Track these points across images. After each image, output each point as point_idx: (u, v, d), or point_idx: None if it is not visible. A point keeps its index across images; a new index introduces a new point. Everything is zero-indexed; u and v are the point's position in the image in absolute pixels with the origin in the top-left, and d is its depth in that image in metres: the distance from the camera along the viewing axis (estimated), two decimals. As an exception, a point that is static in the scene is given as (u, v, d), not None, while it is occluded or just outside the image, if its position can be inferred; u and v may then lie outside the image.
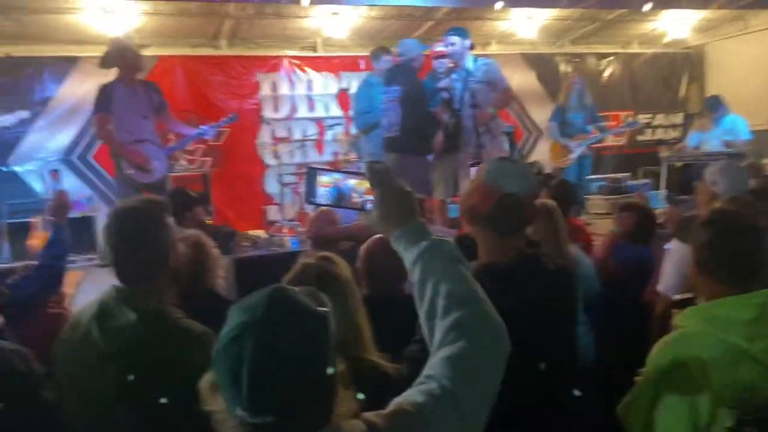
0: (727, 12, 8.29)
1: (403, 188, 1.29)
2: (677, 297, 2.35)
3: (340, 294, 1.78)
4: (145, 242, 1.85)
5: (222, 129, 7.21)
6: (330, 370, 1.03)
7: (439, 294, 1.18)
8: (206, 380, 1.05)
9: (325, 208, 3.58)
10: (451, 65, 5.65)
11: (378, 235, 2.41)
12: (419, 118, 5.38)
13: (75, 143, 7.08)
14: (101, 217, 6.85)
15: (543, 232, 2.91)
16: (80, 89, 7.03)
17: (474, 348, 1.14)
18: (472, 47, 5.72)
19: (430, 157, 5.79)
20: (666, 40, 9.54)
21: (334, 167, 5.96)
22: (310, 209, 5.60)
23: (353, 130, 7.75)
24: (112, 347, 1.77)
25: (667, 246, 3.19)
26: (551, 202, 3.11)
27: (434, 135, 5.52)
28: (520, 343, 1.68)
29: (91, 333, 1.80)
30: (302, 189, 6.15)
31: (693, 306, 1.86)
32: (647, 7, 7.00)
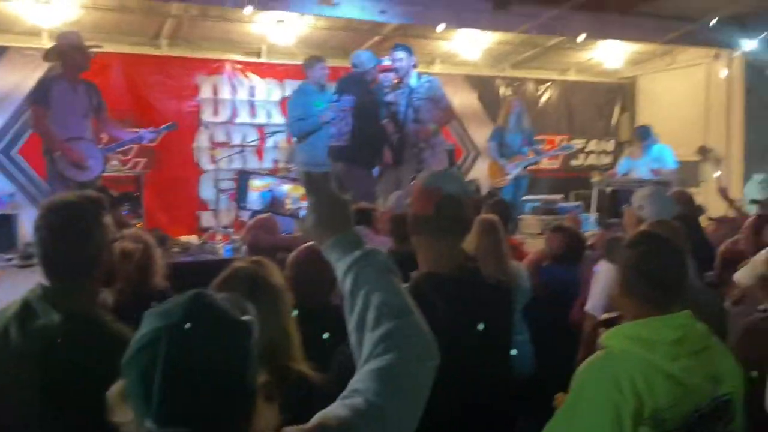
0: (656, 46, 8.73)
1: (339, 196, 1.27)
2: (605, 316, 2.42)
3: (271, 300, 1.74)
4: (78, 238, 1.74)
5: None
6: (250, 382, 0.97)
7: (369, 305, 1.16)
8: (115, 389, 0.97)
9: (265, 215, 3.51)
10: (396, 81, 5.72)
11: (307, 245, 2.38)
12: (371, 130, 5.39)
13: (-1, 137, 6.73)
14: (24, 216, 6.52)
15: (485, 247, 2.97)
16: (7, 81, 6.72)
17: (402, 361, 1.11)
18: (415, 65, 5.82)
19: (376, 171, 5.81)
20: (601, 69, 9.95)
21: (269, 173, 5.90)
22: (246, 216, 5.52)
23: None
24: (31, 348, 1.65)
25: (596, 268, 3.29)
26: (494, 217, 3.18)
27: (382, 148, 5.55)
28: (457, 351, 1.71)
29: (9, 332, 1.68)
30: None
31: (618, 326, 1.91)
32: (581, 37, 7.29)
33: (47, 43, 6.80)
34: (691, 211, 4.75)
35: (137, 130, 5.55)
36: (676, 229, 2.75)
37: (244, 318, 1.00)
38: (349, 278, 1.20)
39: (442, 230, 1.83)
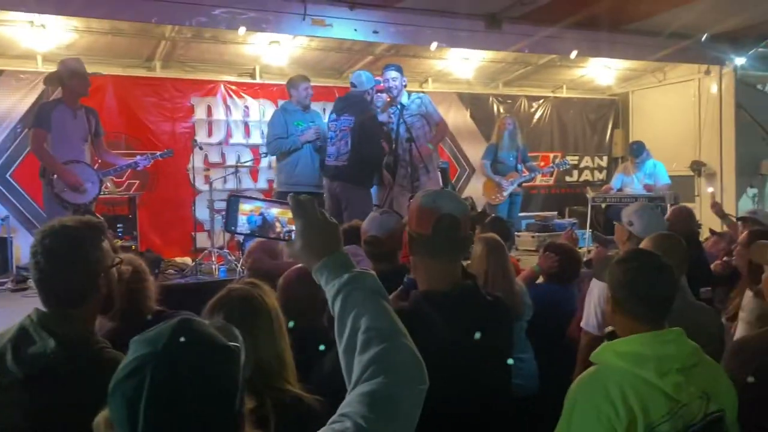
0: (647, 63, 8.81)
1: (327, 220, 1.27)
2: (609, 328, 2.43)
3: (265, 322, 1.74)
4: (76, 264, 1.72)
5: (154, 152, 7.06)
6: (237, 408, 0.96)
7: (358, 328, 1.15)
8: (101, 417, 0.97)
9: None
10: (389, 100, 5.75)
11: (298, 266, 2.37)
12: (371, 150, 5.39)
13: (-7, 160, 6.73)
14: (18, 239, 6.50)
15: (494, 266, 2.99)
16: (2, 104, 6.73)
17: (391, 384, 1.10)
18: (405, 84, 5.86)
19: (374, 190, 5.83)
20: (593, 86, 10.03)
21: (258, 196, 5.91)
22: (240, 238, 5.49)
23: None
24: (25, 374, 1.63)
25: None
26: (497, 237, 3.20)
27: (381, 168, 5.57)
28: (456, 368, 1.70)
29: (4, 357, 1.65)
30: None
31: (608, 342, 1.92)
32: (573, 54, 7.36)
33: (42, 67, 6.86)
34: (691, 227, 4.77)
35: (133, 157, 5.61)
36: (678, 243, 2.75)
37: (231, 344, 0.99)
38: (338, 301, 1.20)
39: (440, 250, 1.83)
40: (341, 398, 1.13)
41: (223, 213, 6.71)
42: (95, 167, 5.42)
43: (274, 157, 7.81)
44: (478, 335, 1.76)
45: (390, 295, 2.10)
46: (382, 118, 5.83)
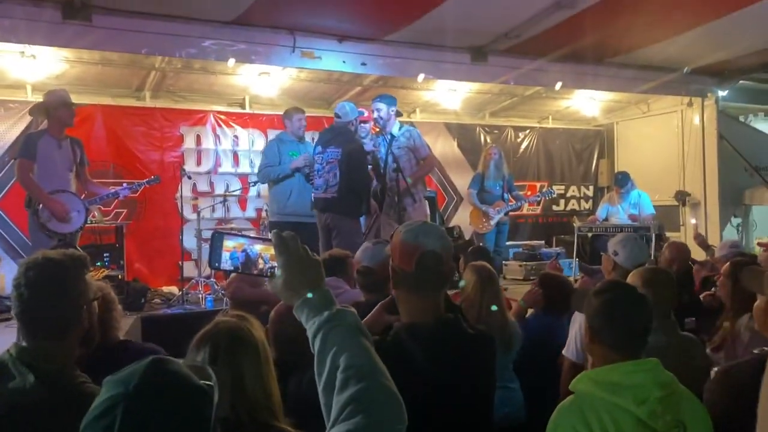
0: (631, 95, 8.98)
1: (309, 256, 1.27)
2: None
3: (253, 355, 1.72)
4: (59, 297, 1.72)
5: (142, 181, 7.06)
6: None
7: (338, 366, 1.15)
8: None
9: None
10: (376, 130, 5.80)
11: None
12: (359, 180, 5.42)
13: (-21, 189, 6.70)
14: (3, 269, 6.45)
15: (488, 297, 3.00)
16: (-10, 133, 6.73)
17: (369, 424, 1.09)
18: (398, 114, 5.93)
19: (362, 219, 5.85)
20: (578, 117, 10.19)
21: (243, 232, 5.93)
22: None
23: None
24: (2, 411, 1.62)
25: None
26: (489, 266, 3.21)
27: (369, 197, 5.60)
28: (438, 400, 1.71)
29: None
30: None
31: (585, 371, 1.95)
32: (558, 85, 7.49)
33: (31, 97, 6.88)
34: (689, 264, 4.82)
35: (116, 187, 5.65)
36: (667, 277, 2.80)
37: (204, 383, 0.99)
38: (318, 339, 1.20)
39: (423, 286, 1.84)
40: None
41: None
42: (81, 197, 5.43)
43: (263, 186, 7.86)
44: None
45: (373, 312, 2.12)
46: (368, 146, 5.89)
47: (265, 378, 1.73)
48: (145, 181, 5.87)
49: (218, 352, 1.66)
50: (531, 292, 3.73)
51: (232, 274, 3.60)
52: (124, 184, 5.66)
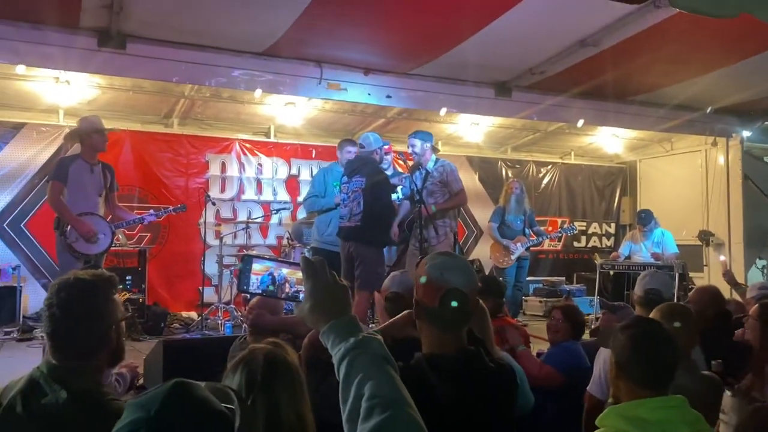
0: (655, 133, 8.96)
1: (336, 282, 1.27)
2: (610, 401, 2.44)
3: (288, 382, 1.72)
4: (89, 317, 1.74)
5: (167, 206, 7.16)
6: None
7: (362, 395, 1.14)
8: None
9: None
10: (409, 164, 5.86)
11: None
12: (382, 209, 5.46)
13: (9, 209, 6.84)
14: (27, 289, 6.54)
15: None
16: (21, 155, 6.90)
17: None
18: (435, 150, 5.98)
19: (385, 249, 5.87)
20: (601, 153, 10.18)
21: (270, 256, 5.95)
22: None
23: (300, 215, 7.81)
24: (35, 426, 1.64)
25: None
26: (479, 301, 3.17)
27: (392, 227, 5.62)
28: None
29: (14, 408, 1.66)
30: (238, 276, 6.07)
31: (612, 406, 1.93)
32: (580, 123, 7.51)
33: (63, 121, 7.07)
34: (719, 305, 4.72)
35: (146, 211, 5.72)
36: (687, 313, 2.76)
37: (225, 406, 0.98)
38: (343, 366, 1.19)
39: (446, 322, 1.83)
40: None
41: (232, 268, 6.79)
42: (108, 220, 5.52)
43: (285, 214, 7.94)
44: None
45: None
46: (395, 180, 5.94)
47: (299, 404, 1.74)
48: (171, 208, 5.95)
49: (255, 379, 1.66)
50: (510, 333, 3.65)
51: (252, 300, 3.61)
52: (151, 210, 5.74)
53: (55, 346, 1.75)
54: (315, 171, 7.47)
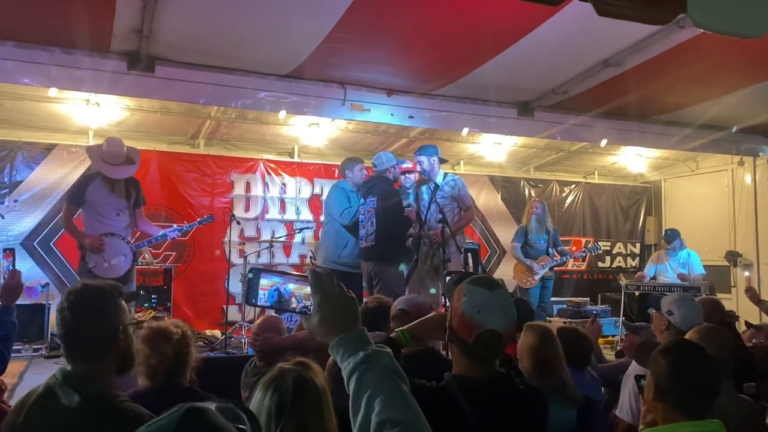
0: (679, 152, 8.87)
1: (344, 295, 1.25)
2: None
3: (314, 402, 1.75)
4: (97, 316, 1.88)
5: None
6: None
7: (372, 410, 1.12)
8: None
9: (269, 315, 3.54)
10: (419, 179, 5.89)
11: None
12: (395, 227, 5.48)
13: (39, 228, 6.99)
14: (55, 307, 6.63)
15: (551, 357, 2.90)
16: (52, 175, 7.07)
17: None
18: (443, 161, 5.99)
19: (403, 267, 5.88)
20: (625, 173, 10.09)
21: (279, 270, 5.97)
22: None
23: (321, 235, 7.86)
24: (52, 429, 1.74)
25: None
26: (548, 327, 3.13)
27: (407, 244, 5.63)
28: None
29: (33, 415, 1.77)
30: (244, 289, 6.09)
31: (650, 429, 1.90)
32: (603, 142, 7.47)
33: (93, 142, 7.22)
34: (723, 317, 4.66)
35: (166, 228, 5.81)
36: (725, 337, 2.73)
37: (238, 428, 0.98)
38: (353, 381, 1.17)
39: (478, 357, 1.83)
40: None
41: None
42: (133, 239, 5.57)
43: (309, 233, 7.98)
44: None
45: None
46: (411, 197, 5.97)
47: (327, 424, 1.75)
48: (199, 220, 6.02)
49: (285, 401, 1.68)
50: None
51: (254, 326, 3.62)
52: (174, 226, 5.81)
53: (67, 348, 1.89)
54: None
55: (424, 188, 5.94)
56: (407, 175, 6.17)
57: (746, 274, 7.84)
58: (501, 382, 1.83)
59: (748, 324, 5.30)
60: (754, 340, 4.62)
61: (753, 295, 5.61)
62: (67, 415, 1.74)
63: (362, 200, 5.77)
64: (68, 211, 5.32)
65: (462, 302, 1.82)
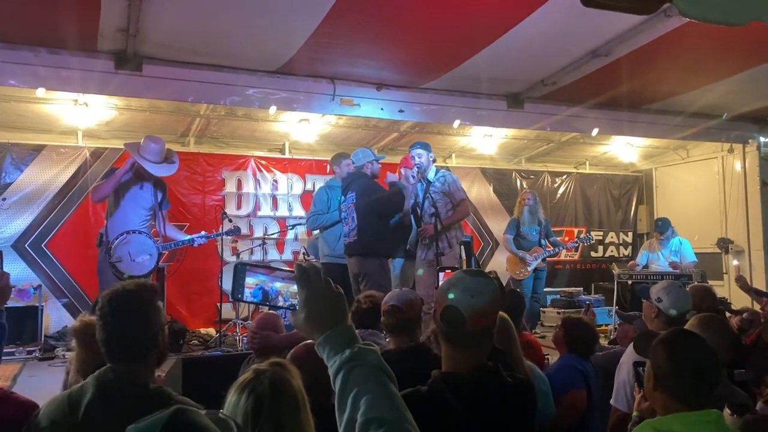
0: (670, 141, 8.91)
1: (331, 290, 1.22)
2: (635, 414, 2.42)
3: (293, 405, 1.72)
4: (141, 322, 1.93)
5: (183, 224, 7.24)
6: None
7: (358, 409, 1.09)
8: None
9: (267, 313, 3.52)
10: (418, 176, 5.89)
11: (305, 342, 2.35)
12: (376, 221, 5.49)
13: (30, 229, 6.95)
14: (48, 308, 6.62)
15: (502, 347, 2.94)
16: (41, 177, 7.02)
17: None
18: (434, 160, 6.01)
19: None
20: (616, 162, 10.13)
21: (264, 265, 6.00)
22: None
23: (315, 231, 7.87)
24: (121, 426, 1.72)
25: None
26: (505, 316, 3.15)
27: (389, 239, 5.64)
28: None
29: (93, 417, 1.78)
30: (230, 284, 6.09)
31: (648, 420, 1.91)
32: (595, 131, 7.48)
33: (82, 142, 7.20)
34: (714, 304, 4.68)
35: (193, 235, 5.88)
36: (726, 326, 2.75)
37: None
38: (339, 379, 1.15)
39: (449, 338, 1.84)
40: None
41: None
42: (156, 239, 5.53)
43: (301, 230, 7.97)
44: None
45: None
46: (411, 192, 5.96)
47: (304, 426, 1.72)
48: (225, 230, 6.04)
49: (262, 403, 1.65)
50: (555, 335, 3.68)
51: (252, 325, 3.60)
52: (203, 232, 5.85)
53: (110, 352, 1.93)
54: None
55: (417, 185, 5.94)
56: (406, 170, 6.16)
57: (735, 263, 7.88)
58: (488, 376, 1.83)
59: (722, 304, 5.32)
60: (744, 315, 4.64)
61: (743, 284, 5.64)
62: (135, 410, 1.71)
63: (343, 197, 5.79)
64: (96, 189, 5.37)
65: (444, 283, 1.88)
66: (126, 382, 1.84)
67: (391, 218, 5.63)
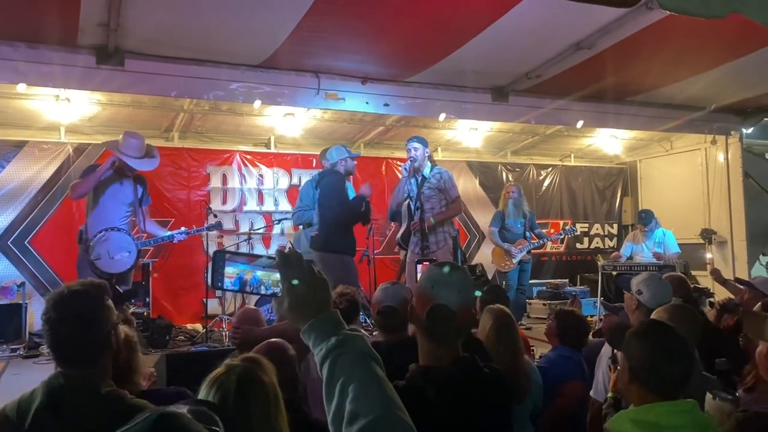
0: (654, 133, 8.97)
1: (315, 276, 1.19)
2: (611, 394, 2.44)
3: (262, 399, 1.71)
4: (89, 325, 1.82)
5: (168, 220, 7.20)
6: None
7: (347, 395, 1.08)
8: None
9: (248, 308, 3.53)
10: (413, 169, 5.90)
11: (267, 341, 2.34)
12: (335, 216, 5.55)
13: (13, 226, 6.88)
14: (33, 306, 6.57)
15: (504, 344, 2.96)
16: (24, 173, 6.95)
17: None
18: (430, 156, 6.02)
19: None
20: (601, 155, 10.19)
21: (245, 254, 6.00)
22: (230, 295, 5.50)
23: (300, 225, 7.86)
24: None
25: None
26: (506, 310, 3.17)
27: (351, 235, 5.67)
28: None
29: (41, 424, 1.71)
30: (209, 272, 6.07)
31: (623, 411, 1.93)
32: (579, 123, 7.52)
33: (65, 138, 7.13)
34: (690, 295, 4.74)
35: (173, 231, 5.78)
36: (692, 314, 2.78)
37: (213, 428, 0.97)
38: (325, 367, 1.13)
39: (434, 335, 1.84)
40: None
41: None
42: (136, 236, 5.47)
43: (287, 224, 7.96)
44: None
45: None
46: (403, 187, 5.94)
47: (275, 423, 1.71)
48: (205, 226, 5.99)
49: (227, 399, 1.64)
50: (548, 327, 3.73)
51: (234, 319, 3.59)
52: (183, 228, 5.76)
53: (59, 357, 1.82)
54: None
55: (412, 180, 5.93)
56: (403, 165, 6.14)
57: (708, 256, 7.97)
58: (464, 369, 1.84)
59: (711, 303, 5.38)
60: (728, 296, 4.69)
61: (718, 277, 5.71)
62: (87, 418, 1.69)
63: (316, 191, 5.89)
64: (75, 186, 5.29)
65: (422, 279, 1.88)
66: (76, 388, 1.75)
67: (346, 226, 5.65)
